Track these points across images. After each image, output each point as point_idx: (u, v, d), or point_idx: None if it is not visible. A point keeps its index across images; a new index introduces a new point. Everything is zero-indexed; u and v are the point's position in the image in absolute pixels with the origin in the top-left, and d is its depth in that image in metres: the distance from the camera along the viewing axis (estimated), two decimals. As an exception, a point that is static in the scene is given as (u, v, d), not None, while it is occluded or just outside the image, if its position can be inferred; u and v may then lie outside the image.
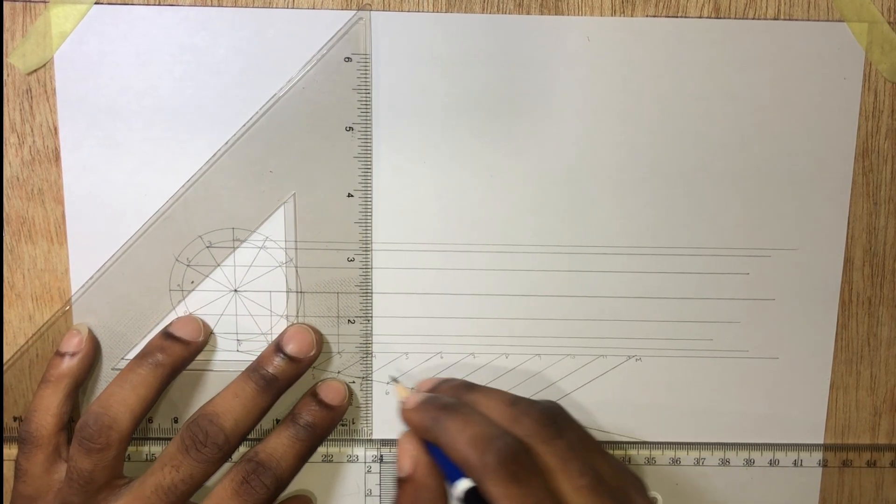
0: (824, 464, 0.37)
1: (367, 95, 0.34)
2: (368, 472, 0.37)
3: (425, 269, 0.35)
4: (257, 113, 0.34)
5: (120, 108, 0.34)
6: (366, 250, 0.35)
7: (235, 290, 0.35)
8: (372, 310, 0.35)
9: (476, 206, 0.35)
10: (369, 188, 0.34)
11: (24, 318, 0.35)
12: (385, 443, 0.37)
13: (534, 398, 0.32)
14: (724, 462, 0.37)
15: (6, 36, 0.33)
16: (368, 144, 0.34)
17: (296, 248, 0.35)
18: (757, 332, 0.36)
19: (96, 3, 0.33)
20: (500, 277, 0.35)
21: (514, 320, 0.36)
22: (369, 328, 0.36)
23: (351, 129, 0.34)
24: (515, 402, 0.31)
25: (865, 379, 0.37)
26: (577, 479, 0.29)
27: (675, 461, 0.37)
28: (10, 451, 0.36)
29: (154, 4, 0.33)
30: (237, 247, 0.35)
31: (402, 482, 0.31)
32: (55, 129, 0.34)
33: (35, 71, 0.33)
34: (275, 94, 0.33)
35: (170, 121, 0.34)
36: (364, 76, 0.33)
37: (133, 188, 0.34)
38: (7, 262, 0.35)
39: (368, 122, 0.34)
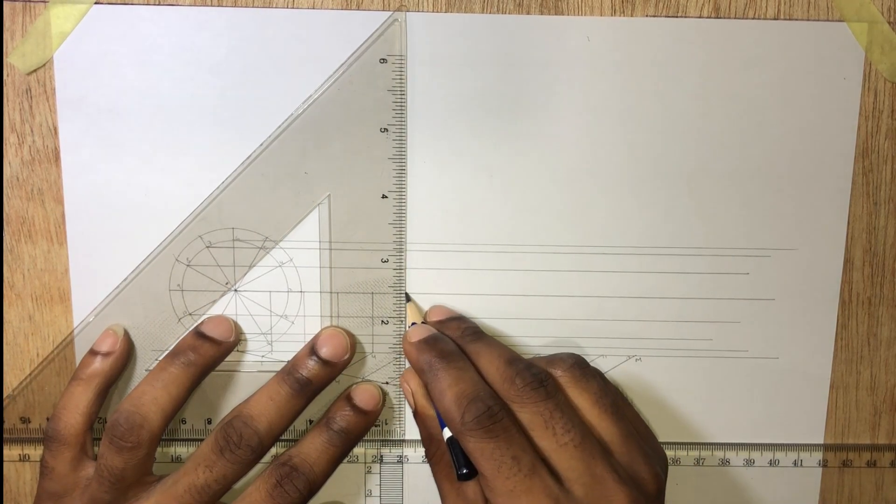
0: (824, 464, 0.37)
1: (402, 97, 0.34)
2: (368, 472, 0.37)
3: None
4: (292, 115, 0.34)
5: (120, 108, 0.34)
6: (400, 251, 0.35)
7: (235, 290, 0.35)
8: (406, 310, 0.35)
9: (478, 206, 0.35)
10: (404, 189, 0.34)
11: (24, 318, 0.35)
12: (385, 443, 0.37)
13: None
14: (724, 462, 0.37)
15: (6, 36, 0.33)
16: (403, 146, 0.34)
17: (330, 249, 0.35)
18: (757, 332, 0.36)
19: (96, 3, 0.33)
20: (499, 277, 0.35)
21: (513, 320, 0.36)
22: (402, 329, 0.36)
23: (386, 130, 0.34)
24: (513, 361, 0.32)
25: (865, 379, 0.37)
26: (561, 436, 0.30)
27: (676, 461, 0.37)
28: (10, 452, 0.36)
29: (154, 4, 0.33)
30: (237, 247, 0.35)
31: (414, 416, 0.34)
32: (55, 129, 0.34)
33: (35, 71, 0.33)
34: (310, 96, 0.33)
35: (170, 121, 0.34)
36: (399, 77, 0.33)
37: (133, 188, 0.34)
38: (7, 262, 0.35)
39: (403, 123, 0.34)
